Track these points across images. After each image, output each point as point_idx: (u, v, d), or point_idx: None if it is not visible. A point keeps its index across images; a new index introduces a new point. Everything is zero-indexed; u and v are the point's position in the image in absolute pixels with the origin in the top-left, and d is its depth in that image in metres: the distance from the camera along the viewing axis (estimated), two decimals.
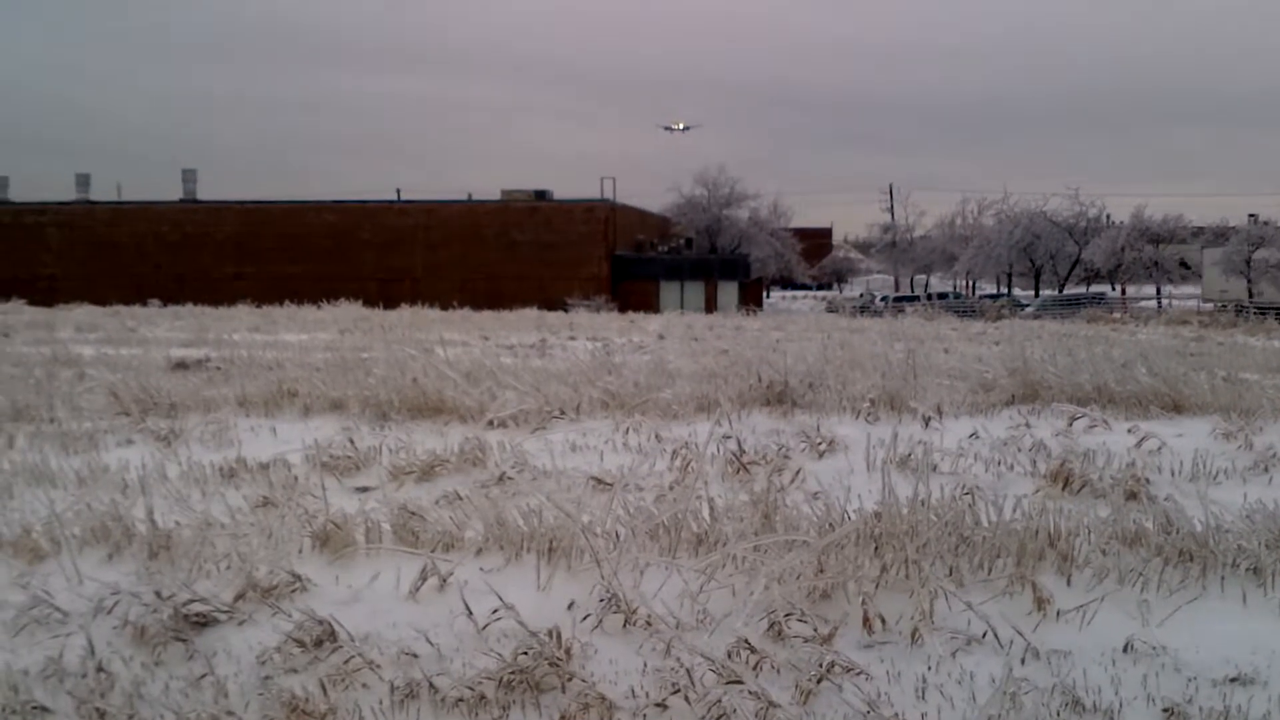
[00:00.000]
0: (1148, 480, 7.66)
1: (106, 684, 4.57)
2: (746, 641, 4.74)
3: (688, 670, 4.47)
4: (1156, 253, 67.62)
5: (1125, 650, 4.89)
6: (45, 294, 56.50)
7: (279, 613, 5.20)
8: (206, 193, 72.85)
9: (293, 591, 5.51)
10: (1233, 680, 4.62)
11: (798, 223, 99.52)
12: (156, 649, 4.94)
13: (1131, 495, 7.30)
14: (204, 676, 4.62)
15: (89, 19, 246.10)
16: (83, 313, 35.75)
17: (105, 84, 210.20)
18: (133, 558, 6.13)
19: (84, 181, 73.47)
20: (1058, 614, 5.22)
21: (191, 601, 5.18)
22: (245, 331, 25.85)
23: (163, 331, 26.42)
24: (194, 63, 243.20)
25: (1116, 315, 47.55)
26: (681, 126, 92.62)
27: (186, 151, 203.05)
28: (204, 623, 5.15)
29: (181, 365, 15.72)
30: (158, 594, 5.21)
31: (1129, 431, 9.81)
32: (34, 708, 4.42)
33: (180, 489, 7.67)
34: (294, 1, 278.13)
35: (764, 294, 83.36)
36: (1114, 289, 74.08)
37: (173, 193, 72.60)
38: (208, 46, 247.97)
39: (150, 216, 70.38)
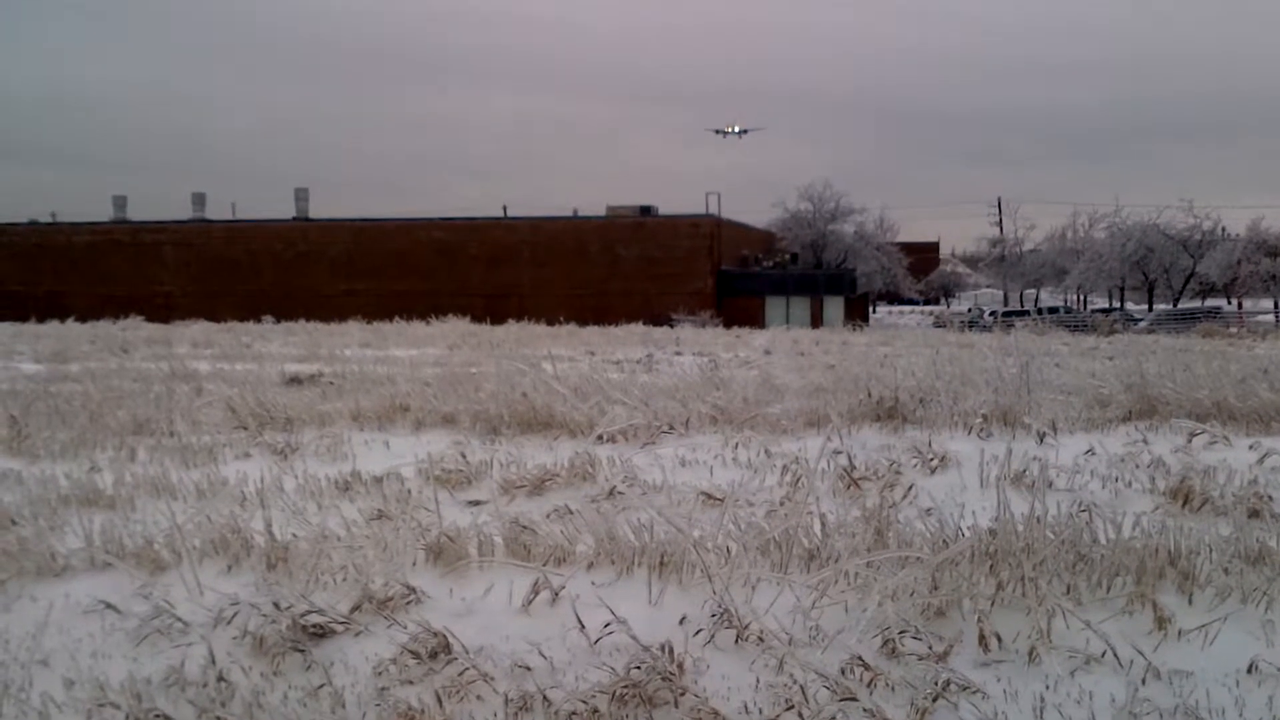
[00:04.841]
0: (1270, 498, 7.46)
1: (227, 693, 4.65)
2: (860, 658, 4.70)
3: (801, 687, 4.45)
4: (1275, 265, 65.96)
5: (1249, 671, 4.78)
6: (162, 310, 58.09)
7: (394, 624, 5.25)
8: (319, 211, 74.27)
9: (407, 604, 5.56)
10: None
11: (904, 237, 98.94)
12: (275, 659, 5.01)
13: (1254, 513, 7.12)
14: (322, 687, 4.69)
15: (205, 43, 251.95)
16: (198, 329, 36.58)
17: (222, 106, 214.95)
18: (251, 569, 6.23)
19: (200, 200, 75.21)
20: (1179, 633, 5.11)
21: (309, 612, 5.26)
22: (356, 347, 26.23)
23: (276, 347, 26.89)
24: (309, 86, 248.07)
25: (1233, 330, 46.50)
26: (737, 130, 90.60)
27: (299, 171, 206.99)
28: (321, 633, 5.21)
29: (295, 380, 15.98)
30: (276, 605, 5.29)
31: (1250, 448, 9.58)
32: (156, 716, 4.50)
33: (297, 502, 7.79)
34: (402, 25, 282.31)
35: (870, 309, 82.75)
36: (1230, 303, 72.38)
37: (286, 211, 74.08)
38: (319, 68, 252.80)
39: (264, 234, 71.78)
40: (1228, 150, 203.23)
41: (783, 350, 25.23)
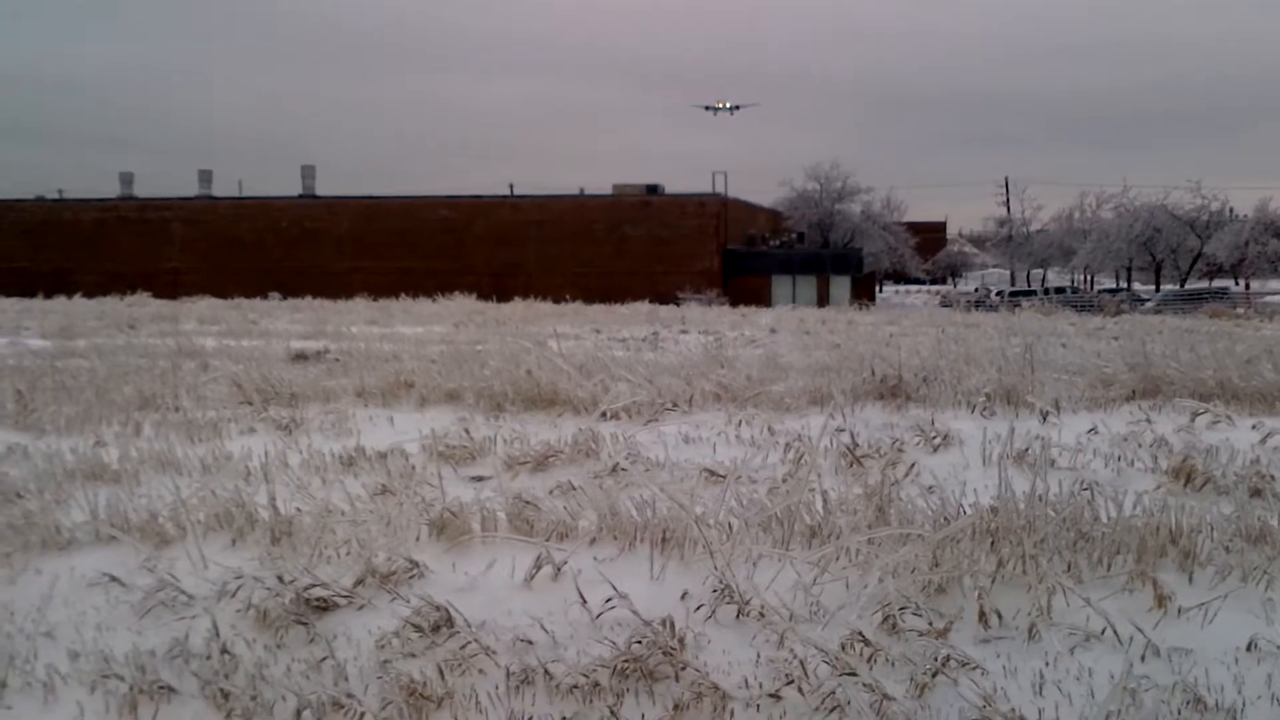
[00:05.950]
0: (1273, 477, 7.45)
1: (230, 665, 4.67)
2: (860, 634, 4.72)
3: (801, 661, 4.47)
4: None
5: (1249, 649, 4.79)
6: (169, 287, 58.20)
7: (397, 598, 5.27)
8: (325, 189, 74.20)
9: (410, 578, 5.58)
10: None
11: (911, 217, 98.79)
12: (278, 632, 5.03)
13: (1256, 492, 7.13)
14: (324, 659, 4.70)
15: (214, 24, 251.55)
16: (205, 305, 36.58)
17: (230, 88, 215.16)
18: (255, 543, 6.25)
19: (206, 177, 75.27)
20: (1179, 611, 5.12)
21: (312, 586, 5.28)
22: (362, 324, 26.27)
23: (282, 324, 26.93)
24: (315, 65, 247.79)
25: (1239, 310, 46.36)
26: (727, 106, 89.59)
27: (305, 154, 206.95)
28: (324, 607, 5.24)
29: (301, 357, 16.02)
30: (280, 578, 5.32)
31: (1253, 428, 9.57)
32: (160, 687, 4.53)
33: (301, 477, 7.81)
34: (408, 8, 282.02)
35: (876, 288, 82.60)
36: (1237, 284, 72.25)
37: (292, 188, 73.98)
38: (328, 49, 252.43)
39: (270, 211, 71.77)
40: (1238, 136, 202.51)
41: (788, 329, 25.22)
